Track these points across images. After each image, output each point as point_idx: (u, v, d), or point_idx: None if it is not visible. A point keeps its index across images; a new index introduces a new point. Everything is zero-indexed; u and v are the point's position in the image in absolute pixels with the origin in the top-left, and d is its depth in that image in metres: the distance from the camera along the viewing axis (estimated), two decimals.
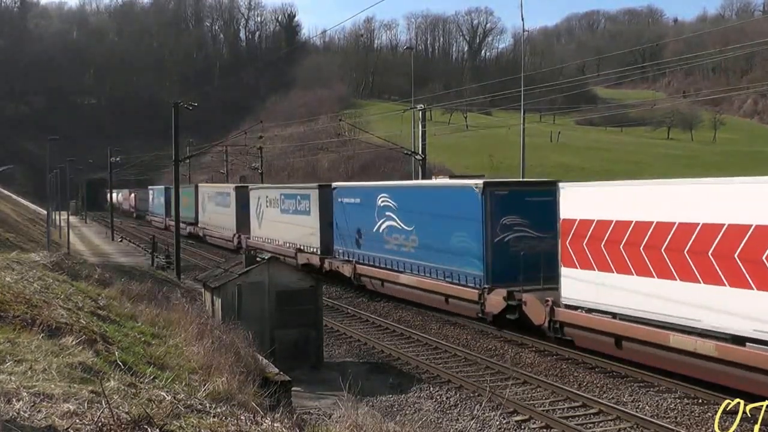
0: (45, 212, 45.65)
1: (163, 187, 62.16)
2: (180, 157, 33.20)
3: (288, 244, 31.14)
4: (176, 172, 31.94)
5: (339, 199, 27.02)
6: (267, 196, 34.42)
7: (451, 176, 27.97)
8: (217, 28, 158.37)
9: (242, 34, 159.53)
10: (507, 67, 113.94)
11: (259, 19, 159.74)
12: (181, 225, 52.20)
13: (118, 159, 65.20)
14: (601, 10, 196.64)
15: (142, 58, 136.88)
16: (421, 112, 35.79)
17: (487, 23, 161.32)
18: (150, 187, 71.52)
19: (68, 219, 48.13)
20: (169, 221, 53.68)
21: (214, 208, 44.79)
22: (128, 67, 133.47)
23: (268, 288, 16.02)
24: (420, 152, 34.77)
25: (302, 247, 29.75)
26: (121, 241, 51.61)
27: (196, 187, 50.11)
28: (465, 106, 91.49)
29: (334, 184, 28.66)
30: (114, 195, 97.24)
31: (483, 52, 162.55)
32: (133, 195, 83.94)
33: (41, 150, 62.26)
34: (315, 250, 28.66)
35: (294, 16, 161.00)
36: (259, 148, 57.53)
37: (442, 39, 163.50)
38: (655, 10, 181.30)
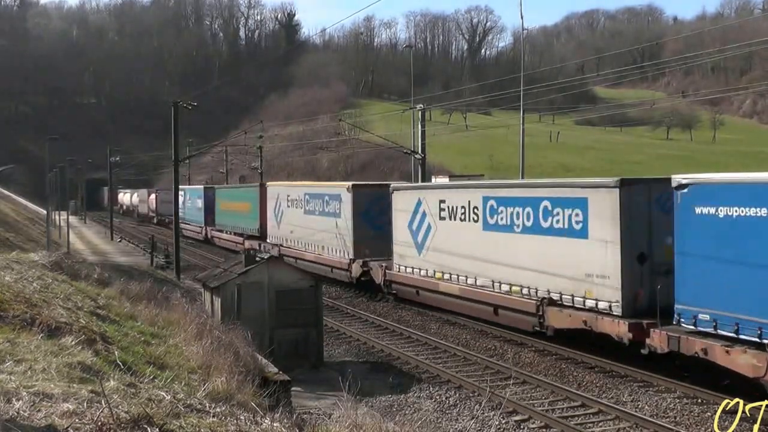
0: (44, 212, 45.59)
1: (201, 187, 51.45)
2: (180, 157, 33.17)
3: (513, 288, 17.79)
4: (176, 172, 31.95)
5: (698, 209, 12.99)
6: (455, 205, 20.29)
7: (451, 176, 27.91)
8: (216, 26, 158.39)
9: (242, 33, 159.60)
10: (506, 66, 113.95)
11: (258, 17, 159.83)
12: (237, 239, 38.78)
13: (117, 159, 65.20)
14: (601, 9, 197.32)
15: (142, 57, 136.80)
16: (420, 112, 35.81)
17: (486, 22, 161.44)
18: (180, 186, 64.99)
19: (68, 219, 48.07)
20: (212, 231, 45.01)
21: (302, 219, 30.62)
22: (128, 67, 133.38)
23: (267, 287, 16.02)
24: (419, 152, 34.79)
25: (561, 299, 16.33)
26: (120, 241, 51.60)
27: (263, 187, 36.83)
28: (464, 106, 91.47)
29: (680, 177, 13.68)
30: (126, 196, 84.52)
31: (483, 50, 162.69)
32: (154, 196, 67.86)
33: (41, 150, 62.05)
34: (606, 306, 15.04)
35: (293, 15, 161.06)
36: (258, 148, 57.53)
37: (441, 37, 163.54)
38: (655, 8, 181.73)
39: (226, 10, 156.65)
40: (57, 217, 54.17)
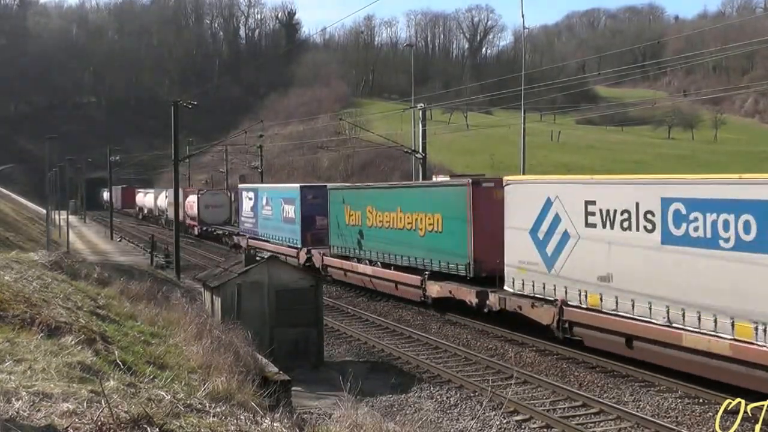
0: (44, 211, 45.53)
1: (295, 186, 32.80)
2: (179, 156, 33.12)
3: None
4: (176, 172, 31.89)
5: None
6: None
7: (452, 175, 27.73)
8: (216, 25, 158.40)
9: (242, 32, 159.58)
10: (507, 65, 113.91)
11: (258, 16, 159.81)
12: (408, 279, 22.54)
13: (117, 158, 65.17)
14: (602, 8, 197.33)
15: (142, 56, 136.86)
16: (421, 112, 35.78)
17: (487, 21, 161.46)
18: (244, 186, 42.62)
19: (67, 218, 48.08)
20: (327, 258, 28.08)
21: (662, 258, 13.98)
22: (128, 66, 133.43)
23: (267, 287, 15.99)
24: (420, 151, 34.76)
25: None
26: (120, 240, 51.59)
27: (480, 187, 20.01)
28: (465, 106, 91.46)
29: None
30: (149, 197, 68.92)
31: (483, 49, 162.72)
32: (194, 199, 50.38)
33: (40, 149, 61.75)
34: None
35: (294, 14, 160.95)
36: (259, 147, 57.52)
37: (442, 36, 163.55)
38: (656, 7, 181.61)
39: (226, 9, 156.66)
40: (57, 216, 54.18)
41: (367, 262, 25.49)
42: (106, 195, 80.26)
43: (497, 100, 75.85)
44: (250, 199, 38.58)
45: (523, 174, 34.27)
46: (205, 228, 48.01)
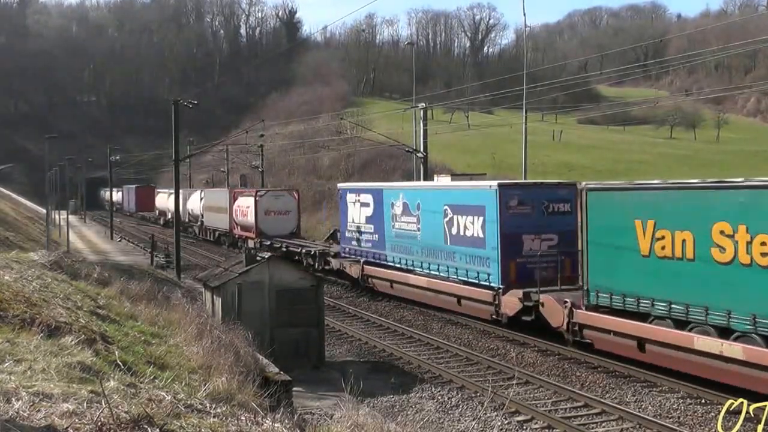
0: (44, 211, 45.47)
1: (488, 186, 19.94)
2: (180, 155, 33.00)
3: None
4: (176, 171, 31.75)
5: None
6: None
7: (453, 175, 27.60)
8: (217, 23, 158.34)
9: (243, 30, 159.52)
10: (509, 64, 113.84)
11: (259, 15, 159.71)
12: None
13: (117, 158, 65.13)
14: (604, 7, 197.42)
15: (142, 54, 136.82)
16: (422, 111, 35.73)
17: (489, 19, 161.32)
18: (349, 186, 30.15)
19: (67, 218, 48.05)
20: (578, 311, 16.02)
21: None
22: (128, 64, 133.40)
23: (268, 287, 15.96)
24: (421, 150, 34.71)
25: None
26: (120, 240, 51.57)
27: None
28: (466, 105, 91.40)
29: None
30: (173, 198, 43.24)
31: (485, 48, 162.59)
32: (251, 202, 38.01)
33: (40, 148, 61.49)
34: None
35: (295, 12, 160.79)
36: (260, 147, 57.47)
37: (443, 35, 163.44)
38: (658, 5, 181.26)
39: (227, 7, 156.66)
40: (57, 216, 54.15)
41: (712, 331, 13.27)
42: (106, 194, 77.30)
43: (499, 100, 75.85)
44: (366, 204, 26.15)
45: (525, 175, 34.09)
46: (267, 242, 35.27)
